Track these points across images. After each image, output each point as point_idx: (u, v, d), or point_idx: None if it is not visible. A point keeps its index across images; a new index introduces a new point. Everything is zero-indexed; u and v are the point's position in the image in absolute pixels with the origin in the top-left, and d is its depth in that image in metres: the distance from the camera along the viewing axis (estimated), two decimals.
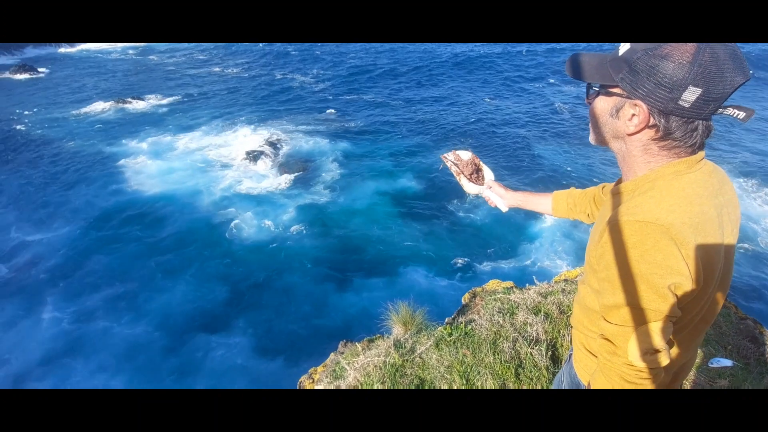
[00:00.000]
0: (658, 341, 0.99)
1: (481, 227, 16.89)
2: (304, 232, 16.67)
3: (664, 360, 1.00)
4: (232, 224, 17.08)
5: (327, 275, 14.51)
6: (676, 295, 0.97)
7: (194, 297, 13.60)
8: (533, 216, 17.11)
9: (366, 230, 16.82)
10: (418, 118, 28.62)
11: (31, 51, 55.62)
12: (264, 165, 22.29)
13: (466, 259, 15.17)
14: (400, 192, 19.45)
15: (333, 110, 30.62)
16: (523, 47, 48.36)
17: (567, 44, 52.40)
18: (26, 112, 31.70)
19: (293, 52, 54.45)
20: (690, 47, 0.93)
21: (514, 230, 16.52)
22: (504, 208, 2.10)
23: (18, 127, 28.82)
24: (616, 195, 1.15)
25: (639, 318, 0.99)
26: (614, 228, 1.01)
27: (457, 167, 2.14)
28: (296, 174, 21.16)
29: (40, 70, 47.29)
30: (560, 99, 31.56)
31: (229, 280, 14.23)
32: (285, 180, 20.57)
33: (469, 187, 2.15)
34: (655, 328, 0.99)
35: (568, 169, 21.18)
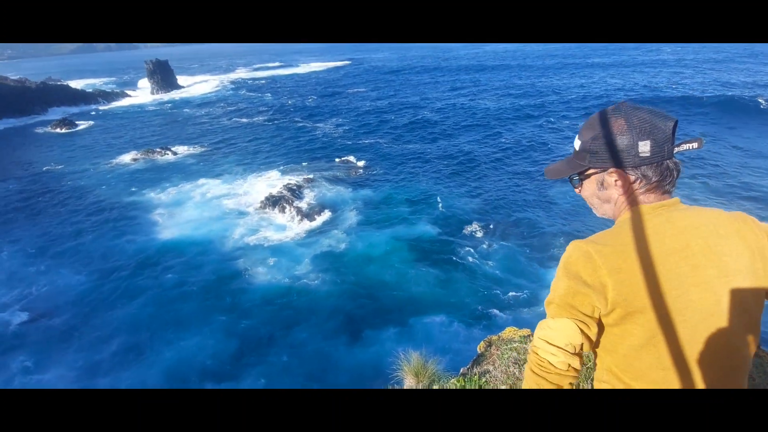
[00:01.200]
0: (554, 336, 1.23)
1: (498, 274, 15.93)
2: (318, 281, 16.07)
3: (560, 360, 1.21)
4: (246, 275, 16.69)
5: (338, 327, 13.71)
6: (586, 309, 1.20)
7: (201, 351, 13.05)
8: (551, 258, 16.21)
9: (380, 277, 16.12)
10: (434, 166, 28.53)
11: (73, 109, 60.46)
12: (281, 213, 22.22)
13: (482, 306, 14.27)
14: (416, 238, 18.79)
15: (353, 157, 30.97)
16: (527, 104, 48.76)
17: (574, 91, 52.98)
18: (59, 166, 33.57)
19: (312, 100, 56.99)
20: (620, 120, 1.22)
21: (532, 278, 15.51)
22: None
23: (49, 178, 30.40)
24: None
25: (548, 313, 1.31)
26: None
27: None
28: (313, 222, 20.92)
29: (79, 124, 51.07)
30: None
31: (238, 333, 13.67)
32: (301, 228, 20.32)
33: None
34: (553, 324, 1.25)
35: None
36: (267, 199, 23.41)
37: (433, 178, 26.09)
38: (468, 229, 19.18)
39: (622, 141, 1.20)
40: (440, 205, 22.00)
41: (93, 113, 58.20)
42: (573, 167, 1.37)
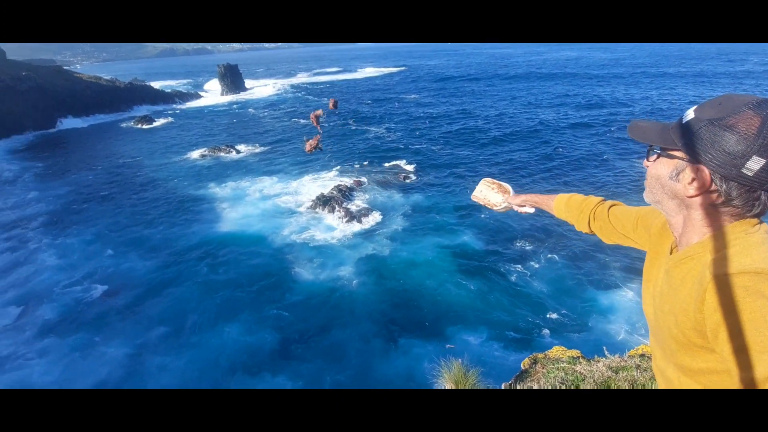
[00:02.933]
0: None
1: (545, 292, 15.10)
2: (359, 284, 16.27)
3: None
4: (291, 272, 17.31)
5: (376, 331, 13.78)
6: None
7: (245, 341, 13.73)
8: (606, 285, 15.12)
9: (422, 285, 15.98)
10: (484, 175, 27.75)
11: (154, 107, 66.58)
12: (331, 214, 22.80)
13: (525, 324, 13.64)
14: (461, 248, 18.39)
15: (404, 161, 31.10)
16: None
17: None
18: (138, 158, 37.17)
19: (366, 105, 58.08)
20: (756, 120, 0.96)
21: (582, 300, 14.54)
22: (531, 210, 2.35)
23: (127, 168, 33.67)
24: (683, 261, 1.11)
25: None
26: (722, 287, 0.93)
27: (488, 201, 2.49)
28: (360, 224, 21.23)
29: (157, 121, 56.20)
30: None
31: (281, 328, 14.22)
32: (349, 229, 20.70)
33: (501, 209, 2.50)
34: None
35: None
36: (318, 198, 24.15)
37: None
38: (516, 243, 18.44)
39: (736, 143, 0.97)
40: (488, 215, 21.38)
41: (170, 112, 63.84)
42: (664, 139, 1.13)
